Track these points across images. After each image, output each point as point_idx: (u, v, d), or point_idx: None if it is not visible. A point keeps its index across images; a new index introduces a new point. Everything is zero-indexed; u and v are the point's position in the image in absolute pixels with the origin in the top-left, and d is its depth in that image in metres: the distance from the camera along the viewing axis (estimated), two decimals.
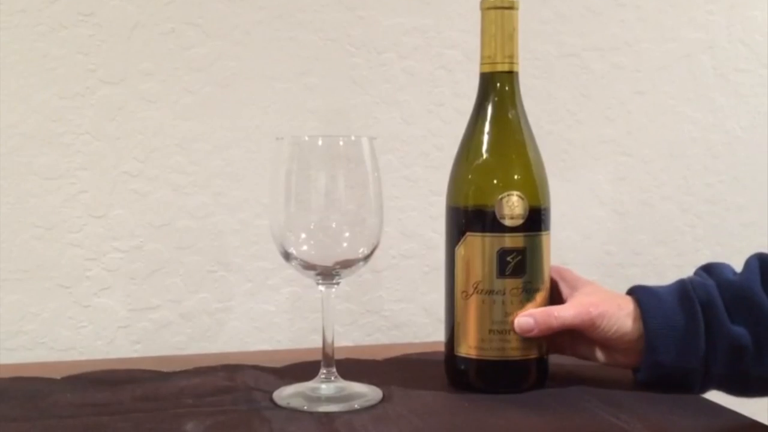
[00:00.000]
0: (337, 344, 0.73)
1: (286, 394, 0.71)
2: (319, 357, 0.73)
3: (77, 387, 0.74)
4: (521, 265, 0.70)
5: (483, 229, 0.71)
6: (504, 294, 0.70)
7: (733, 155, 1.14)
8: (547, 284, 0.73)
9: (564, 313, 0.69)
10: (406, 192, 1.01)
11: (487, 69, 0.72)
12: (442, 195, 1.03)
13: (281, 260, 0.72)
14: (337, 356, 0.74)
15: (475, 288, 0.71)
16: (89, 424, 0.64)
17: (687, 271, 1.12)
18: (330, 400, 0.70)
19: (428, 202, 1.02)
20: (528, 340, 0.70)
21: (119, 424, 0.64)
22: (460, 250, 0.72)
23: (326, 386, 0.71)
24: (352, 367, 0.80)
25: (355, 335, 1.00)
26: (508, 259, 0.70)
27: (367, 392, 0.72)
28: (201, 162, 0.94)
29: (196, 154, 0.94)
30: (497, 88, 0.72)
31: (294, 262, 0.70)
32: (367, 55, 0.99)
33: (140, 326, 0.93)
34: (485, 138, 0.73)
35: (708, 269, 0.74)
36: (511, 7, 0.71)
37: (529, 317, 0.69)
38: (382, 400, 0.70)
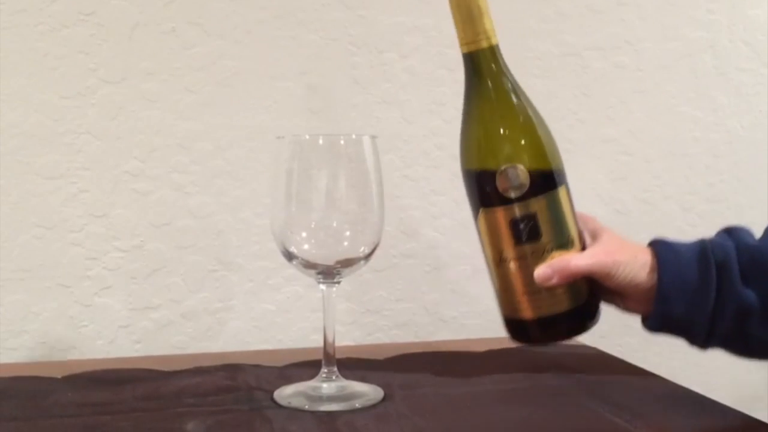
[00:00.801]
0: (338, 343, 0.73)
1: (287, 393, 0.71)
2: (320, 356, 0.73)
3: (78, 386, 0.74)
4: (535, 229, 0.70)
5: (492, 204, 0.71)
6: (527, 258, 0.70)
7: (735, 154, 1.14)
8: (573, 236, 0.72)
9: (581, 262, 0.70)
10: (407, 191, 1.01)
11: (464, 50, 0.72)
12: (444, 194, 1.04)
13: (282, 259, 0.72)
14: (338, 355, 0.74)
15: (501, 257, 0.71)
16: (90, 424, 0.64)
17: None
18: (331, 399, 0.70)
19: (429, 202, 1.02)
20: (572, 287, 0.71)
21: (120, 423, 0.64)
22: (480, 224, 0.72)
23: (327, 385, 0.71)
24: (353, 367, 0.80)
25: (356, 334, 1.00)
26: (521, 227, 0.70)
27: (368, 391, 0.72)
28: (202, 161, 0.94)
29: (197, 154, 0.94)
30: (475, 67, 0.72)
31: (295, 262, 0.70)
32: (368, 55, 0.99)
33: (141, 326, 0.93)
34: (473, 120, 0.72)
35: (729, 231, 0.75)
36: None
37: (548, 267, 0.70)
38: (383, 400, 0.70)
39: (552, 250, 0.70)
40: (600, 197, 1.09)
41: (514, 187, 0.70)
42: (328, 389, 0.71)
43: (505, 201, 0.70)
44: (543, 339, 0.75)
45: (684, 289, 0.70)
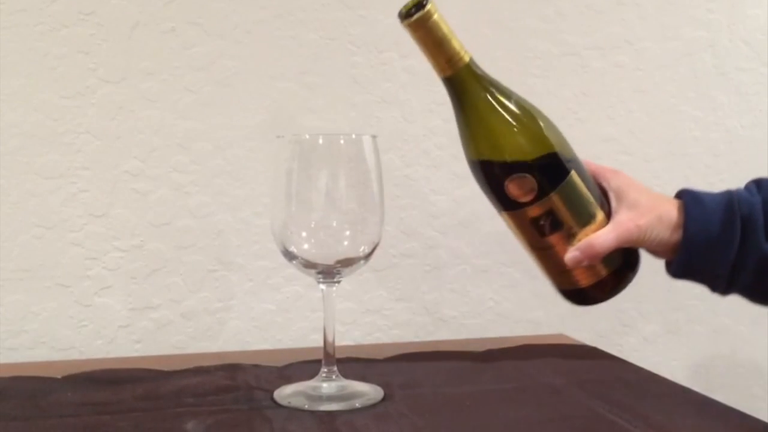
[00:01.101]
0: (338, 343, 0.73)
1: (287, 393, 0.71)
2: (320, 356, 0.73)
3: (78, 386, 0.74)
4: (556, 221, 0.71)
5: (509, 208, 0.71)
6: (555, 246, 0.71)
7: (735, 153, 1.14)
8: (595, 210, 0.73)
9: (607, 240, 0.71)
10: (406, 190, 1.01)
11: (442, 76, 0.71)
12: (443, 194, 1.03)
13: (282, 259, 0.72)
14: (338, 355, 0.74)
15: (533, 246, 0.72)
16: (90, 423, 0.64)
17: None
18: (331, 398, 0.70)
19: (429, 201, 1.02)
20: (607, 256, 0.72)
21: (120, 423, 0.64)
22: (505, 221, 0.73)
23: (327, 385, 0.71)
24: (353, 366, 0.80)
25: (355, 334, 1.00)
26: (542, 223, 0.71)
27: (368, 391, 0.72)
28: (201, 161, 0.94)
29: (196, 154, 0.94)
30: (457, 88, 0.71)
31: (295, 261, 0.70)
32: (367, 54, 0.99)
33: (141, 325, 0.93)
34: (470, 137, 0.72)
35: (759, 184, 0.76)
36: (425, 20, 0.66)
37: (576, 251, 0.71)
38: (383, 399, 0.70)
39: (578, 232, 0.71)
40: None
41: (525, 193, 0.70)
42: (328, 389, 0.71)
43: (521, 205, 0.71)
44: (592, 302, 0.76)
45: (708, 243, 0.71)
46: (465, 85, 0.71)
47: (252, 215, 0.96)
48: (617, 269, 0.73)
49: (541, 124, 0.72)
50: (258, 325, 0.97)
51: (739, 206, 0.72)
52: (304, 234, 0.70)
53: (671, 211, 0.73)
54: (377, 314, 1.01)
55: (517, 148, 0.71)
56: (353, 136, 0.71)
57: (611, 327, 1.11)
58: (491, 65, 1.04)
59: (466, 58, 0.70)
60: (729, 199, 0.73)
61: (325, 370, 0.72)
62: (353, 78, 0.98)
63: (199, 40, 0.93)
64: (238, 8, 0.94)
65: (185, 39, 0.93)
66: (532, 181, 0.70)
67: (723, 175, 1.13)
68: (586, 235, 0.71)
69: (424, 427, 0.63)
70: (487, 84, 0.71)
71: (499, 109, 0.71)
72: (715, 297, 1.08)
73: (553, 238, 0.71)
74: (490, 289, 1.05)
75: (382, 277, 1.01)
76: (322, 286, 0.71)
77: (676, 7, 1.10)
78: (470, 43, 1.01)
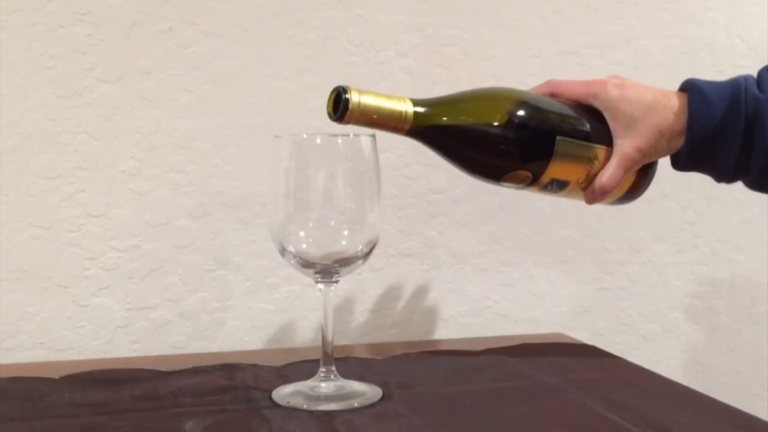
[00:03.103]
0: (336, 343, 0.73)
1: (286, 392, 0.71)
2: (318, 356, 0.73)
3: (76, 387, 0.74)
4: (561, 182, 0.73)
5: (519, 187, 0.74)
6: (571, 194, 0.75)
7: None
8: (594, 152, 0.73)
9: (613, 175, 0.73)
10: (405, 190, 1.01)
11: (402, 135, 0.69)
12: (442, 193, 1.03)
13: (280, 259, 0.72)
14: (337, 355, 0.74)
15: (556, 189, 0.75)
16: (88, 424, 0.64)
17: (687, 269, 1.13)
18: (329, 398, 0.69)
19: (427, 201, 1.02)
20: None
21: (118, 423, 0.64)
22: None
23: (326, 385, 0.71)
24: (352, 366, 0.80)
25: (354, 334, 1.00)
26: (549, 188, 0.74)
27: (366, 391, 0.72)
28: (199, 161, 0.94)
29: (194, 153, 0.94)
30: (420, 132, 0.69)
31: (293, 261, 0.70)
32: (365, 54, 0.98)
33: (139, 325, 0.93)
34: (458, 158, 0.73)
35: None
36: (354, 111, 0.65)
37: (590, 194, 0.74)
38: (382, 399, 0.70)
39: (585, 178, 0.74)
40: None
41: (523, 180, 0.72)
42: (327, 388, 0.71)
43: (526, 186, 0.73)
44: (634, 200, 0.80)
45: (712, 143, 0.71)
46: (426, 131, 0.70)
47: (250, 215, 0.95)
48: (638, 178, 0.76)
49: (502, 95, 0.72)
50: (256, 325, 0.97)
51: (746, 104, 0.70)
52: (302, 233, 0.70)
53: (670, 119, 0.72)
54: (375, 314, 1.01)
55: (501, 150, 0.71)
56: (351, 135, 0.71)
57: (610, 326, 1.11)
58: (490, 64, 1.05)
59: (410, 110, 0.68)
60: (735, 97, 0.71)
61: (324, 369, 0.72)
62: (351, 77, 0.98)
63: (197, 39, 0.93)
64: (236, 8, 0.94)
65: (182, 38, 0.92)
66: (524, 174, 0.71)
67: None
68: (595, 174, 0.73)
69: (423, 427, 0.63)
70: (440, 113, 0.70)
71: (466, 122, 0.71)
72: (715, 297, 1.08)
73: (564, 193, 0.75)
74: (489, 289, 1.05)
75: (381, 277, 1.01)
76: (321, 286, 0.71)
77: (674, 5, 1.10)
78: (469, 42, 1.02)
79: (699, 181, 1.12)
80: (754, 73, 0.73)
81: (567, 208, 1.07)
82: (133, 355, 0.93)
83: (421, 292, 1.03)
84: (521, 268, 1.06)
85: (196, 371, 0.79)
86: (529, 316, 1.07)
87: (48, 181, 0.90)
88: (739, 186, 1.14)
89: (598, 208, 1.08)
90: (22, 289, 0.90)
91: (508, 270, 1.06)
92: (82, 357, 0.91)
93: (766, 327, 1.17)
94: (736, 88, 0.71)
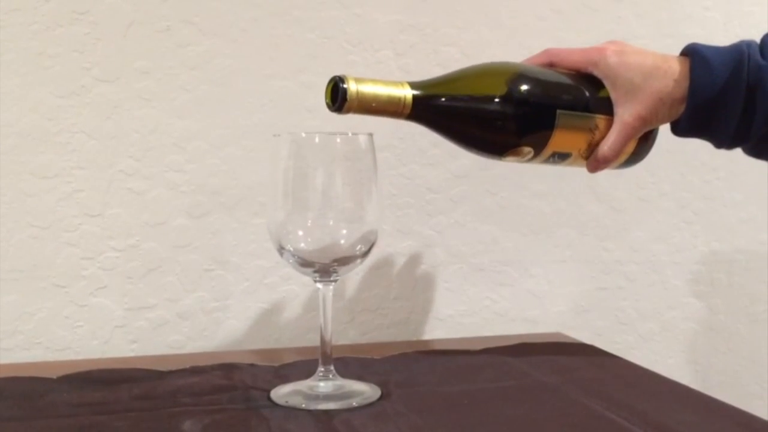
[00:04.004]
0: (335, 342, 0.73)
1: (284, 392, 0.71)
2: (317, 355, 0.73)
3: (74, 386, 0.73)
4: (563, 154, 0.74)
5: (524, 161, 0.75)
6: (575, 163, 0.75)
7: (731, 151, 1.13)
8: (595, 122, 0.73)
9: (615, 144, 0.73)
10: (403, 189, 1.01)
11: (404, 119, 0.70)
12: (440, 192, 1.03)
13: (279, 258, 0.72)
14: (335, 354, 0.74)
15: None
16: (86, 424, 0.64)
17: (685, 268, 1.13)
18: (328, 398, 0.69)
19: (425, 200, 1.02)
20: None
21: (116, 423, 0.64)
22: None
23: (324, 384, 0.71)
24: (350, 365, 0.80)
25: (352, 333, 1.00)
26: (552, 161, 0.74)
27: (365, 390, 0.72)
28: (197, 160, 0.94)
29: (192, 153, 0.93)
30: (420, 120, 0.71)
31: (291, 260, 0.70)
32: (363, 53, 0.98)
33: (137, 325, 0.93)
34: (460, 138, 0.73)
35: None
36: (353, 100, 0.66)
37: (593, 164, 0.74)
38: (381, 398, 0.70)
39: (587, 148, 0.74)
40: (596, 194, 1.09)
41: (525, 155, 0.72)
42: (325, 388, 0.71)
43: (529, 160, 0.74)
44: (640, 161, 0.80)
45: (713, 112, 0.71)
46: (426, 113, 0.70)
47: (248, 214, 0.95)
48: (640, 142, 0.76)
49: (500, 70, 0.72)
50: (254, 325, 0.97)
51: (748, 73, 0.70)
52: (300, 233, 0.69)
53: (671, 85, 0.72)
54: (374, 313, 1.01)
55: (501, 126, 0.71)
56: (349, 134, 0.71)
57: (608, 325, 1.11)
58: None
59: (409, 94, 0.68)
60: (738, 65, 0.70)
61: (322, 369, 0.72)
62: None
63: (195, 38, 0.93)
64: (234, 7, 0.94)
65: (180, 38, 0.92)
66: (527, 149, 0.71)
67: (719, 173, 1.13)
68: (596, 143, 0.73)
69: (422, 426, 0.63)
70: (440, 94, 0.70)
71: (467, 103, 0.71)
72: (713, 296, 1.08)
73: (566, 163, 0.75)
74: (487, 288, 1.05)
75: (379, 276, 1.00)
76: (319, 285, 0.71)
77: (672, 5, 1.10)
78: (467, 41, 1.02)
79: (697, 180, 1.13)
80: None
81: (566, 207, 1.07)
82: (131, 354, 0.93)
83: (420, 291, 1.03)
84: (520, 267, 1.06)
85: (194, 371, 0.78)
86: (527, 316, 1.07)
87: (46, 181, 0.89)
88: (736, 185, 1.14)
89: (595, 207, 1.09)
90: (20, 288, 0.89)
91: (506, 269, 1.06)
92: (80, 357, 0.91)
93: (765, 326, 1.17)
94: (738, 54, 0.71)
